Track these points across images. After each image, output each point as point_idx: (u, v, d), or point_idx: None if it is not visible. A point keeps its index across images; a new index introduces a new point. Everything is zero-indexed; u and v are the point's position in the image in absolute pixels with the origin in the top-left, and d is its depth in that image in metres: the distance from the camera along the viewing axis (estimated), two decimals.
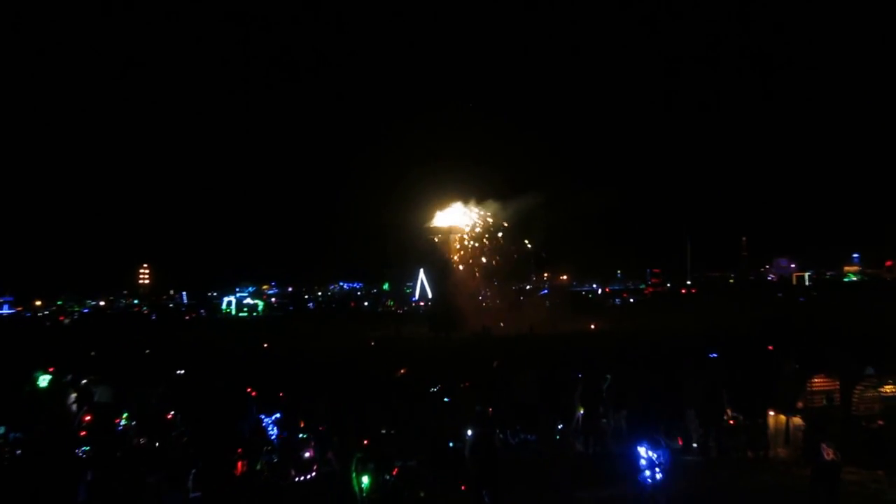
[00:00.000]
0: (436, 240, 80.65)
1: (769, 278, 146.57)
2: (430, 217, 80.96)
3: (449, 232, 79.68)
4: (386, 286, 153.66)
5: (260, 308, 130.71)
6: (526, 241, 79.81)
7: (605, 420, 19.47)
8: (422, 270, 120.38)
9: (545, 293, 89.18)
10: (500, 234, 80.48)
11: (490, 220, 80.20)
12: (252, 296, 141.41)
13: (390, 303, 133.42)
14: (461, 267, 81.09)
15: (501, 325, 71.13)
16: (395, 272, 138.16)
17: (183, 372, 25.65)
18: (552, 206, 77.68)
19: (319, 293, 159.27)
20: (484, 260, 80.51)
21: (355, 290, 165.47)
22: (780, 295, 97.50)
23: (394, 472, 12.73)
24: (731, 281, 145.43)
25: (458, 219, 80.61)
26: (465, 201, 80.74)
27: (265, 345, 51.96)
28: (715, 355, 22.24)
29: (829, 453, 13.16)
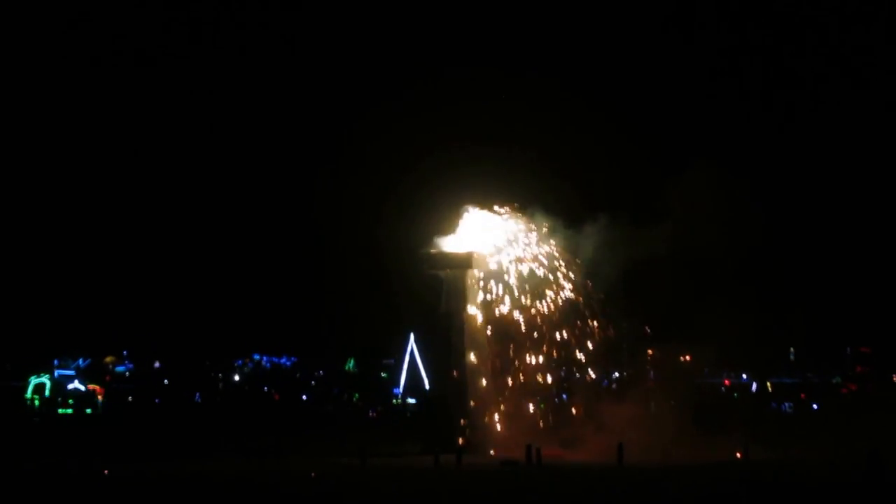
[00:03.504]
0: (442, 278, 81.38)
1: None
2: (432, 237, 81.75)
3: (466, 264, 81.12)
4: (350, 365, 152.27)
5: (99, 399, 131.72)
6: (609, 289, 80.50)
7: None
8: (413, 337, 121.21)
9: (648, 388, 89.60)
10: (566, 272, 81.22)
11: (549, 246, 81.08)
12: (84, 376, 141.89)
13: (352, 397, 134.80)
14: (489, 332, 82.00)
15: (563, 446, 72.48)
16: (363, 339, 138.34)
17: None
18: (666, 236, 79.12)
19: (219, 374, 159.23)
20: (534, 319, 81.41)
21: (284, 369, 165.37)
22: None
23: None
24: None
25: (484, 240, 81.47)
26: (498, 209, 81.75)
27: (105, 471, 54.89)
28: None
29: None
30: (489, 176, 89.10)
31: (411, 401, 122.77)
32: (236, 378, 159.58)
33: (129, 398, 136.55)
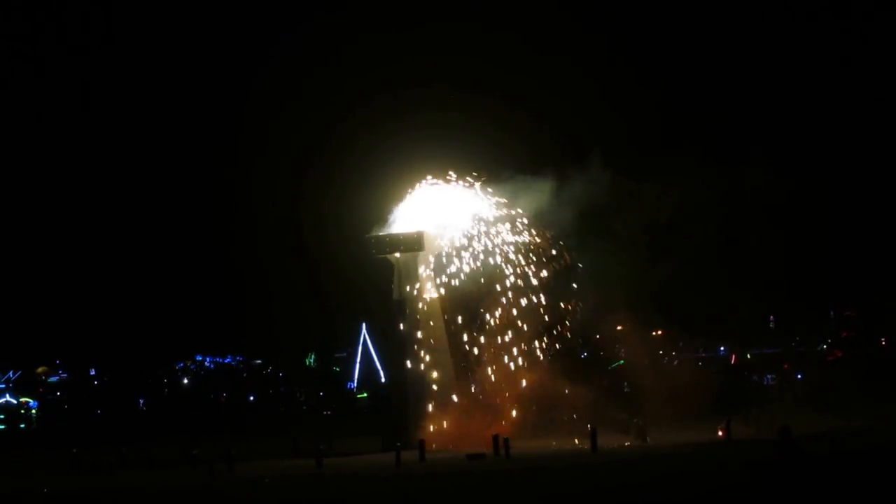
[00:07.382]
0: (393, 262, 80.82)
1: None
2: (381, 218, 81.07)
3: (417, 246, 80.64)
4: (311, 360, 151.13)
5: (33, 411, 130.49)
6: (573, 260, 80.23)
7: None
8: (365, 327, 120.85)
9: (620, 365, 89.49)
10: (533, 248, 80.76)
11: (511, 220, 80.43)
12: (14, 388, 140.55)
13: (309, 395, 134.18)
14: (446, 317, 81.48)
15: (533, 433, 72.48)
16: (315, 332, 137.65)
17: None
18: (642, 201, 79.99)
19: (164, 379, 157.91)
20: (496, 300, 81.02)
21: (229, 368, 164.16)
22: None
23: None
24: None
25: (439, 217, 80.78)
26: (452, 178, 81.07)
27: (45, 489, 54.14)
28: None
29: None
30: (443, 144, 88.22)
31: (365, 395, 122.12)
32: (185, 381, 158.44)
33: (66, 408, 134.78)
